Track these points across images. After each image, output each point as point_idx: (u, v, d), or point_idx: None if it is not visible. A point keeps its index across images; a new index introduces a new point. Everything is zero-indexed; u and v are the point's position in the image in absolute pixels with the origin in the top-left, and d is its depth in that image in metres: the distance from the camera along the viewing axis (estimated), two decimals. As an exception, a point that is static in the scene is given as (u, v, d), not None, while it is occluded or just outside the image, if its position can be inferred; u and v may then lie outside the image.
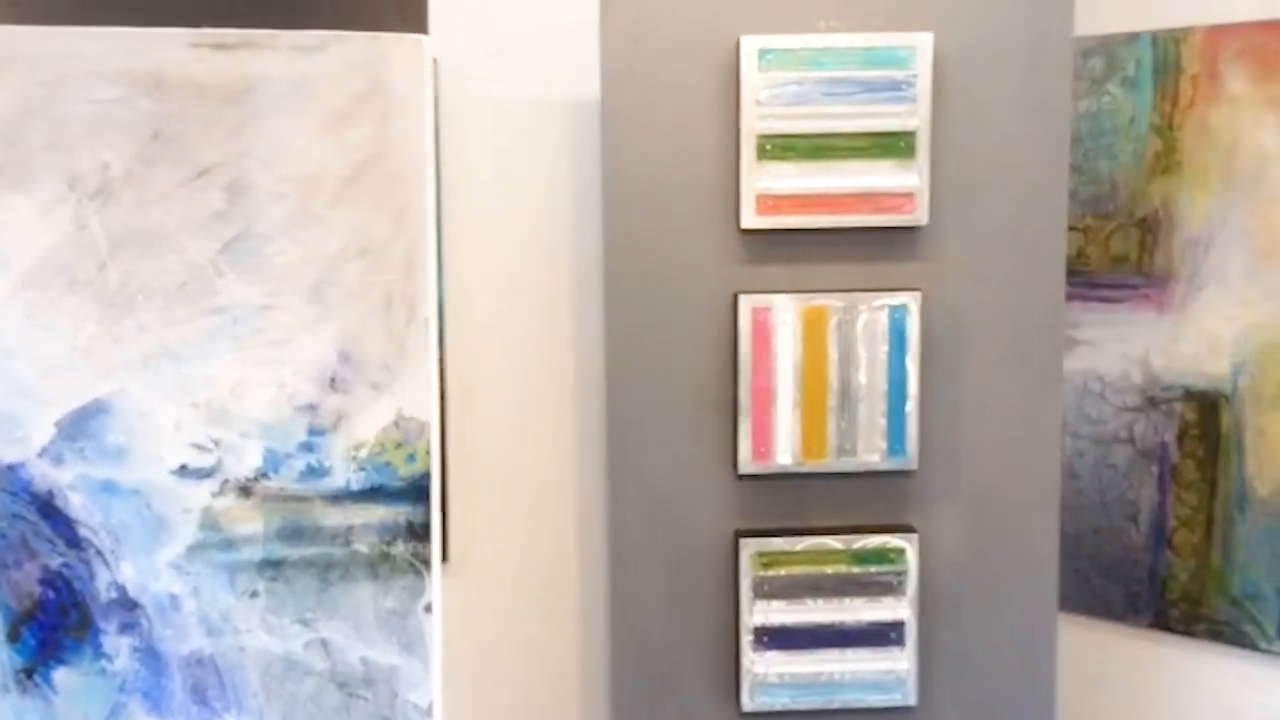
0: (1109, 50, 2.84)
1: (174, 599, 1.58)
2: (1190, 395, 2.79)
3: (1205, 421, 2.77)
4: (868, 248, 2.12)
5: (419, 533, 1.61)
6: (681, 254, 2.11)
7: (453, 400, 2.53)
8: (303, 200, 1.53)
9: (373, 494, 1.59)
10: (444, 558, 2.49)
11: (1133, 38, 2.80)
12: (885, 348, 2.09)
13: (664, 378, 2.14)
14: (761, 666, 2.16)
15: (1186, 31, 2.72)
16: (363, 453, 1.58)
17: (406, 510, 1.60)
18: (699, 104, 2.09)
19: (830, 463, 2.12)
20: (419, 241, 1.53)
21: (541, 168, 2.52)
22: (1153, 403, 2.84)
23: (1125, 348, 2.88)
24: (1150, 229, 2.82)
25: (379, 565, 1.59)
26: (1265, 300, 2.66)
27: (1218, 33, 2.68)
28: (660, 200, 2.11)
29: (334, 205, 1.53)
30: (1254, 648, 2.75)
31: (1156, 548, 2.87)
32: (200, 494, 1.58)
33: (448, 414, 2.53)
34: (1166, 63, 2.76)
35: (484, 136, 2.51)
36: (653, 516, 2.17)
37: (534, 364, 2.57)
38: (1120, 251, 2.87)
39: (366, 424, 1.58)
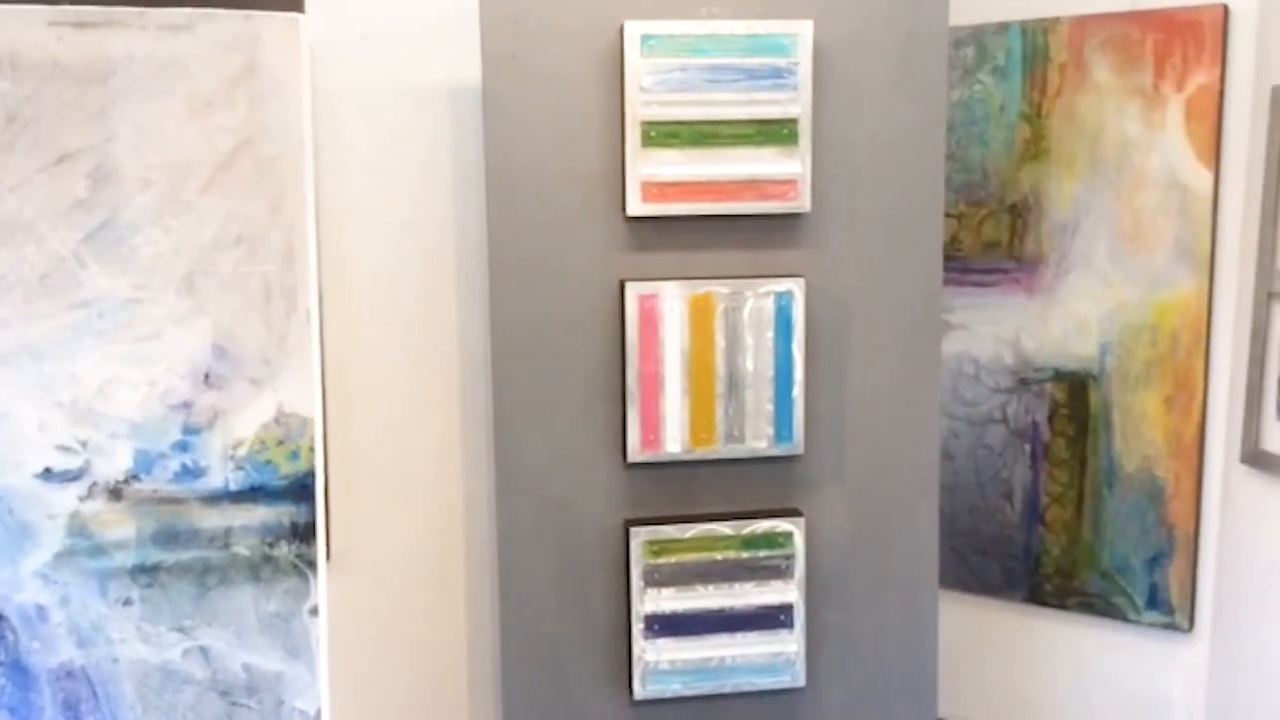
0: (980, 40, 2.91)
1: (41, 610, 1.49)
2: (1060, 376, 2.89)
3: (1074, 401, 2.87)
4: (753, 235, 2.13)
5: (303, 533, 1.55)
6: (567, 242, 2.09)
7: (332, 394, 2.47)
8: (172, 187, 1.46)
9: (253, 494, 1.53)
10: (326, 556, 2.43)
11: (1003, 28, 2.88)
12: (771, 334, 2.10)
13: (551, 367, 2.11)
14: (653, 654, 2.16)
15: (1054, 22, 2.80)
16: (241, 451, 1.52)
17: (289, 510, 1.54)
18: (582, 90, 2.07)
19: (718, 449, 2.12)
20: (298, 230, 1.48)
21: (422, 154, 2.47)
22: (1024, 384, 2.94)
23: (998, 330, 2.96)
24: (1020, 215, 2.90)
25: (261, 568, 1.53)
26: (1129, 283, 2.76)
27: (1083, 23, 2.77)
28: (545, 187, 2.08)
29: (206, 192, 1.46)
30: (1123, 619, 2.86)
31: (1030, 524, 2.97)
32: (67, 498, 1.50)
33: (327, 408, 2.46)
34: (1035, 52, 2.84)
35: (361, 123, 2.44)
36: (541, 508, 2.15)
37: (417, 355, 2.52)
38: (992, 237, 2.95)
39: (245, 421, 1.51)
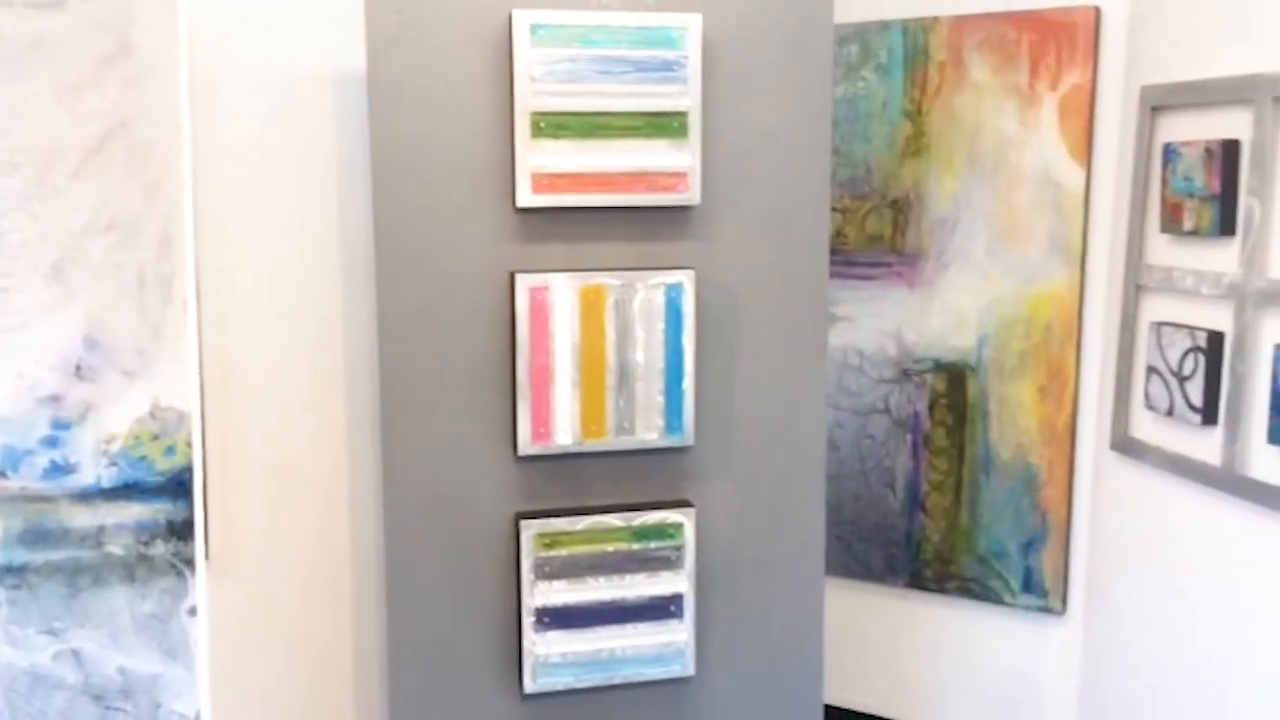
0: (864, 37, 2.96)
1: (-105, 615, 1.41)
2: (940, 367, 2.96)
3: (953, 391, 2.95)
4: (643, 227, 2.13)
5: (180, 531, 1.50)
6: (456, 233, 2.06)
7: (211, 387, 2.39)
8: (40, 171, 1.39)
9: (127, 491, 1.47)
10: (205, 555, 2.36)
11: (885, 26, 2.94)
12: (662, 326, 2.11)
13: (440, 360, 2.09)
14: (543, 647, 2.15)
15: (934, 21, 2.87)
16: (115, 446, 1.46)
17: (165, 507, 1.49)
18: (471, 79, 2.04)
19: (609, 441, 2.12)
20: (174, 217, 1.42)
21: (305, 143, 2.41)
22: (906, 375, 3.01)
23: (881, 323, 3.03)
24: (902, 210, 2.97)
25: (135, 567, 1.48)
26: (1005, 277, 2.85)
27: (962, 22, 2.84)
28: (432, 177, 2.05)
29: (77, 177, 1.40)
30: (999, 602, 2.96)
31: (911, 512, 3.04)
32: (-76, 498, 1.42)
33: (205, 402, 2.39)
34: (916, 50, 2.91)
35: (242, 110, 2.37)
36: (430, 502, 2.12)
37: (301, 348, 2.46)
38: (875, 231, 3.02)
39: (118, 415, 1.46)
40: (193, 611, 1.52)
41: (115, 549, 1.48)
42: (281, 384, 2.46)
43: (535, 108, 2.02)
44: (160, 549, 1.49)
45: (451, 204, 2.06)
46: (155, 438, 1.48)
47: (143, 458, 1.48)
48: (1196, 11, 2.39)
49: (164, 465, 1.49)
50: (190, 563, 1.52)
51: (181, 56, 1.45)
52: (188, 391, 1.49)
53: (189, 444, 1.50)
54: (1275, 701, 2.20)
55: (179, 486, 1.50)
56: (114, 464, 1.47)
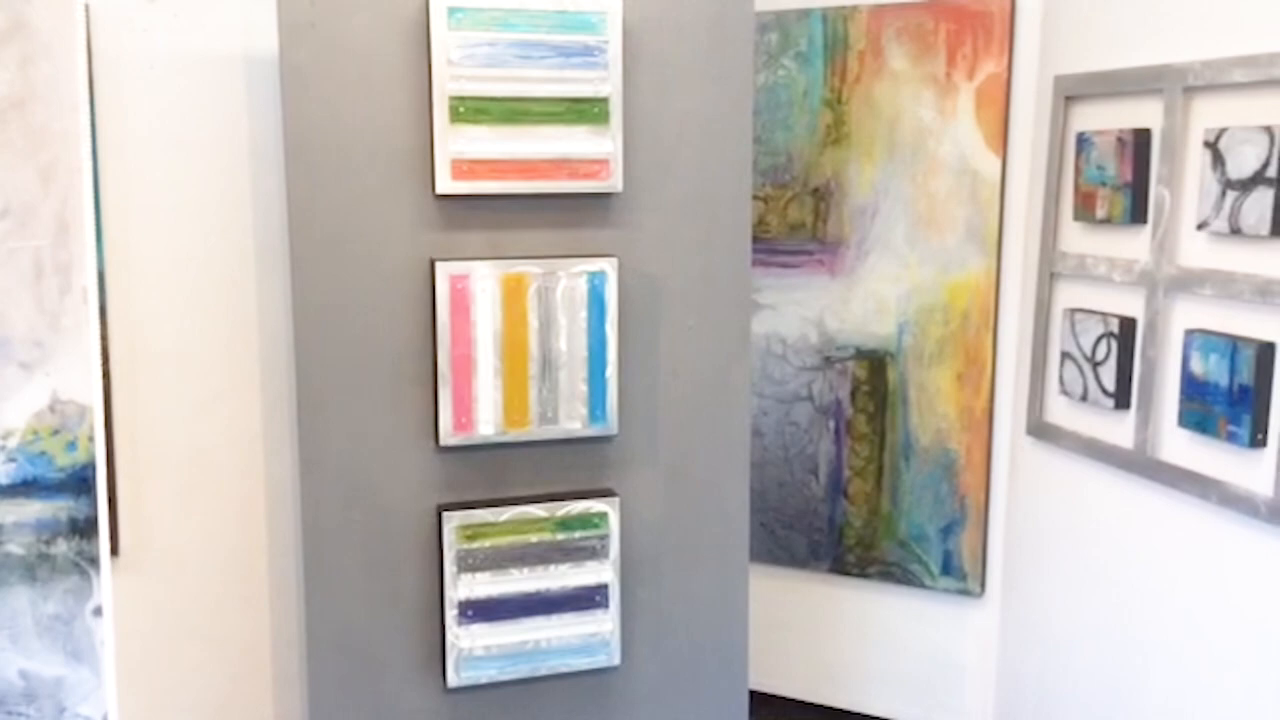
0: (784, 26, 2.97)
1: None
2: (861, 354, 2.99)
3: (874, 378, 2.98)
4: (565, 214, 2.11)
5: (83, 528, 1.44)
6: (374, 220, 2.02)
7: (119, 380, 2.32)
8: (-72, 155, 1.32)
9: (26, 488, 1.41)
10: (114, 552, 2.29)
11: (805, 14, 2.94)
12: (585, 314, 2.09)
13: (358, 349, 2.04)
14: (467, 640, 2.12)
15: (853, 10, 2.89)
16: (12, 442, 1.40)
17: (67, 504, 1.43)
18: (387, 62, 2.00)
19: (533, 431, 2.10)
20: (73, 202, 1.36)
21: (215, 127, 2.34)
22: (829, 362, 3.02)
23: (803, 311, 3.04)
24: (823, 198, 2.98)
25: (37, 567, 1.42)
26: (924, 264, 2.88)
27: (880, 11, 2.86)
28: (349, 164, 2.00)
29: (-32, 161, 1.33)
30: (920, 585, 3.00)
31: (834, 498, 3.07)
32: None
33: (112, 394, 2.31)
34: (835, 39, 2.92)
35: (149, 92, 2.29)
36: (349, 494, 2.08)
37: (213, 339, 2.39)
38: (797, 219, 3.03)
39: (16, 409, 1.39)
40: (98, 611, 1.47)
41: (15, 548, 1.42)
42: (193, 375, 2.39)
43: (454, 92, 1.99)
44: (63, 548, 1.43)
45: (369, 191, 2.01)
46: (55, 432, 1.42)
47: (42, 453, 1.42)
48: (1108, 3, 2.43)
49: (65, 461, 1.43)
50: (95, 561, 1.46)
51: (79, 36, 1.39)
52: (89, 384, 1.43)
53: (91, 439, 1.44)
54: (1186, 676, 2.26)
55: (81, 483, 1.44)
56: (11, 460, 1.40)
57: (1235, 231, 2.06)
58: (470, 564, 2.10)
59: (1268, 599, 2.05)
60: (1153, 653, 2.34)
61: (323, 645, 2.11)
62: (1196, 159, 2.17)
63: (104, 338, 2.29)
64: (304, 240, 2.00)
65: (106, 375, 2.30)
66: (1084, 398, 2.48)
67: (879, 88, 2.88)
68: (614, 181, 2.09)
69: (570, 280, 2.08)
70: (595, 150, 2.06)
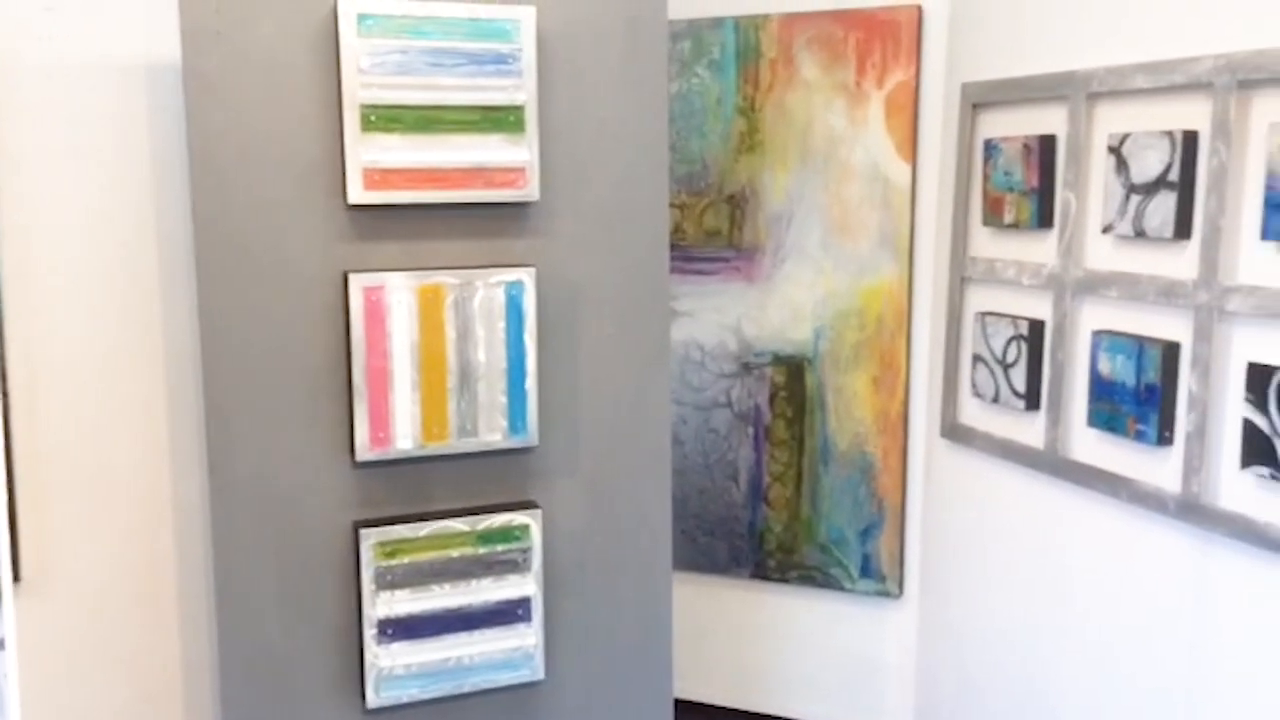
0: (696, 34, 2.98)
1: None
2: (779, 360, 3.01)
3: (792, 384, 3.00)
4: (481, 223, 2.08)
5: (-16, 556, 1.38)
6: (283, 231, 1.97)
7: (17, 398, 2.23)
8: None
9: (-80, 515, 1.34)
10: (16, 578, 2.20)
11: (717, 23, 2.96)
12: (503, 325, 2.06)
13: (269, 364, 1.99)
14: (386, 659, 2.08)
15: (764, 19, 2.91)
16: (-95, 468, 1.33)
17: (-34, 531, 1.37)
18: (296, 70, 1.95)
19: (452, 444, 2.07)
20: (-32, 217, 1.30)
21: (116, 137, 2.26)
22: (747, 368, 3.04)
23: (721, 317, 3.05)
24: (739, 205, 3.00)
25: (-67, 598, 1.35)
26: (838, 270, 2.91)
27: (790, 21, 2.88)
28: (257, 174, 1.95)
29: None
30: (840, 588, 3.02)
31: (754, 504, 3.08)
32: None
33: (10, 415, 2.23)
34: (748, 48, 2.94)
35: (46, 101, 2.21)
36: (262, 513, 2.02)
37: (117, 354, 2.31)
38: (713, 226, 3.04)
39: (-92, 433, 1.33)
40: (0, 644, 1.40)
41: (-92, 580, 1.35)
42: (96, 393, 2.31)
43: (365, 101, 1.95)
44: (-40, 578, 1.37)
45: (278, 201, 1.96)
46: (-49, 457, 1.36)
47: (-63, 479, 1.35)
48: (1014, 11, 2.48)
49: (-38, 486, 1.37)
50: (-4, 591, 1.40)
51: (-28, 41, 1.33)
52: (-12, 405, 1.37)
53: (-9, 462, 1.38)
54: (1099, 670, 2.31)
55: (-20, 509, 1.37)
56: (-96, 487, 1.34)
57: (1139, 234, 2.11)
58: (389, 581, 2.06)
59: (1176, 593, 2.11)
60: (1066, 647, 2.39)
61: (236, 668, 2.05)
62: (1101, 164, 2.23)
63: (1, 356, 2.21)
64: (211, 253, 1.95)
65: (4, 395, 2.21)
66: (996, 399, 2.53)
67: (791, 96, 2.91)
68: (530, 190, 2.07)
69: (488, 291, 2.05)
70: (511, 159, 2.04)
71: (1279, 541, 1.87)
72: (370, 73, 1.95)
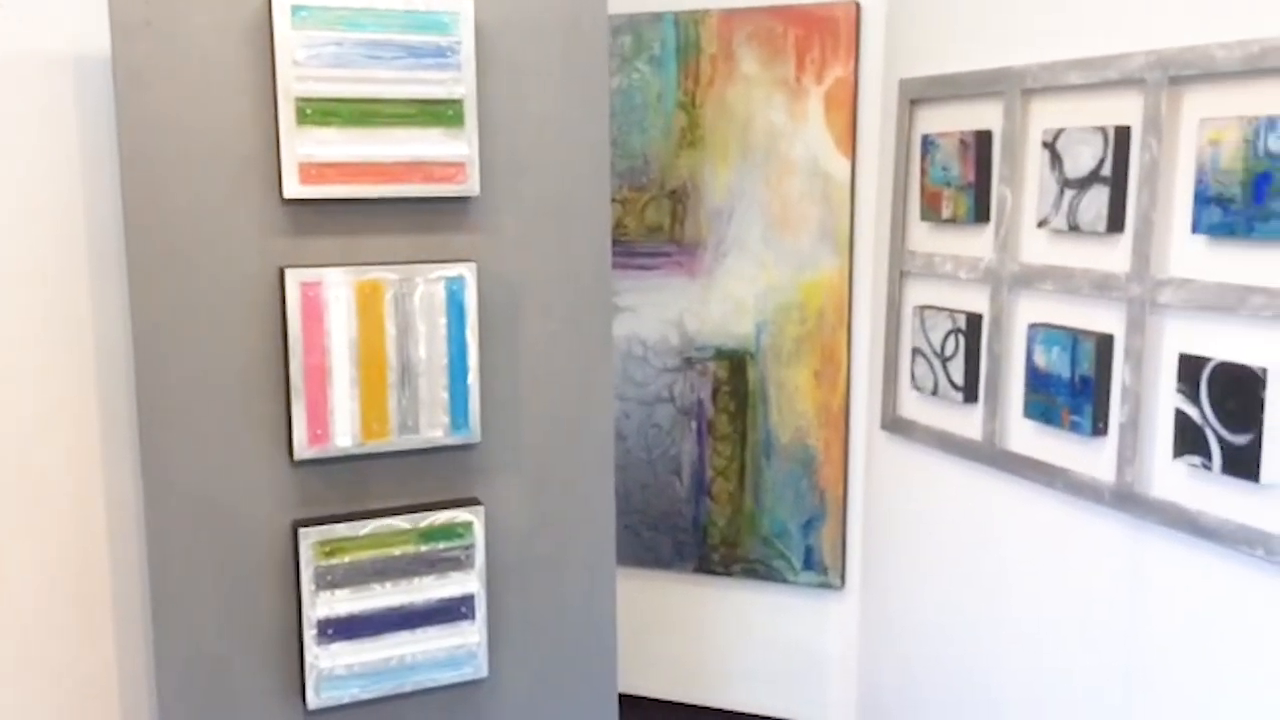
0: (637, 29, 2.98)
1: None
2: (721, 354, 3.01)
3: (735, 378, 3.01)
4: (421, 218, 2.06)
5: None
6: (218, 227, 1.94)
7: (-59, 401, 2.17)
8: None
9: None
10: (-60, 585, 2.14)
11: (657, 18, 2.96)
12: (444, 321, 2.04)
13: (204, 362, 1.95)
14: (327, 660, 2.05)
15: (704, 14, 2.91)
16: None
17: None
18: (229, 62, 1.92)
19: (393, 441, 2.04)
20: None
21: (42, 131, 2.21)
22: (689, 363, 3.04)
23: (663, 312, 3.05)
24: (680, 200, 3.00)
25: None
26: (779, 264, 2.92)
27: (730, 16, 2.89)
28: (190, 169, 1.91)
29: None
30: (783, 580, 3.04)
31: (698, 498, 3.09)
32: None
33: (-65, 417, 2.17)
34: (688, 43, 2.94)
35: (-35, 91, 2.15)
36: (198, 513, 1.99)
37: (45, 355, 2.26)
38: (655, 221, 3.04)
39: None
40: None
41: None
42: (25, 395, 2.25)
43: (300, 94, 1.92)
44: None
45: (212, 196, 1.93)
46: None
47: None
48: (950, 8, 2.51)
49: (-117, 490, 1.32)
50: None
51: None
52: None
53: (-87, 465, 1.34)
54: (1038, 658, 2.34)
55: (-98, 513, 1.33)
56: None
57: (1073, 228, 2.15)
58: (329, 581, 2.03)
59: (1112, 581, 2.15)
60: (1004, 636, 2.43)
61: (173, 673, 2.01)
62: (1035, 159, 2.26)
63: (-77, 356, 2.14)
64: (142, 249, 1.91)
65: (-74, 396, 2.15)
66: (935, 392, 2.55)
67: (731, 91, 2.92)
68: (471, 185, 2.05)
69: (428, 286, 2.03)
70: (450, 153, 2.02)
71: (1210, 529, 1.91)
72: (305, 65, 1.92)
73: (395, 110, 1.98)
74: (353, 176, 1.96)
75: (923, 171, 2.56)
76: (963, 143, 2.42)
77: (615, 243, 3.00)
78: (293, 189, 1.94)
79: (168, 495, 1.97)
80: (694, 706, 3.21)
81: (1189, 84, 1.94)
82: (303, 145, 1.93)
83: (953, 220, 2.47)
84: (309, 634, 2.04)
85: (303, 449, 1.99)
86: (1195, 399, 1.91)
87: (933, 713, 2.68)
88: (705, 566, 3.11)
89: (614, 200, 2.99)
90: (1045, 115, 2.24)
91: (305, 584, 2.02)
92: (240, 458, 2.00)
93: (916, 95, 2.60)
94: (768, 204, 2.91)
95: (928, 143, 2.53)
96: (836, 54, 2.80)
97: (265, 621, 2.06)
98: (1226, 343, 1.89)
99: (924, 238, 2.61)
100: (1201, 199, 1.88)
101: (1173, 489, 2.00)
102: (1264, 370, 1.79)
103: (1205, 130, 1.87)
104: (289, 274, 1.94)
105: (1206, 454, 1.90)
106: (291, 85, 1.92)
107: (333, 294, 1.97)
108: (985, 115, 2.39)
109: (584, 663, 2.34)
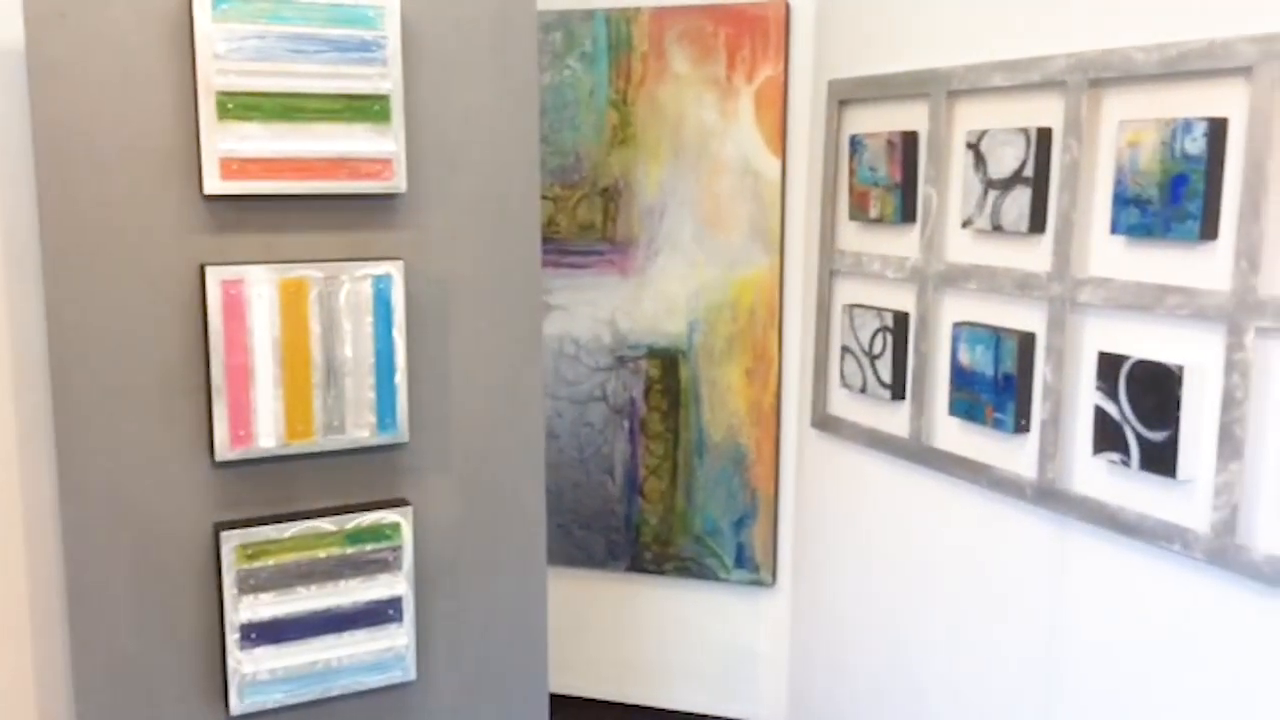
0: (568, 26, 2.96)
1: None
2: (653, 353, 3.01)
3: (667, 376, 3.01)
4: (347, 215, 2.03)
5: None
6: (136, 223, 1.89)
7: None
8: None
9: None
10: None
11: (589, 15, 2.95)
12: (370, 319, 2.02)
13: (122, 362, 1.91)
14: (250, 665, 2.02)
15: (635, 12, 2.91)
16: None
17: None
18: (147, 55, 1.87)
19: (318, 442, 2.01)
20: None
21: (-48, 122, 2.14)
22: (622, 361, 3.04)
23: (595, 311, 3.05)
24: (612, 198, 3.00)
25: None
26: (711, 263, 2.93)
27: (661, 14, 2.89)
28: (107, 163, 1.87)
29: None
30: (715, 578, 3.05)
31: (630, 497, 3.08)
32: None
33: None
34: (619, 41, 2.94)
35: None
36: (116, 517, 1.94)
37: (-45, 353, 2.19)
38: (587, 219, 3.03)
39: None
40: None
41: None
42: (-66, 395, 2.18)
43: (221, 87, 1.88)
44: None
45: (130, 192, 1.88)
46: None
47: None
48: (878, 9, 2.53)
49: None
50: None
51: None
52: None
53: None
54: (964, 652, 2.38)
55: None
56: None
57: (997, 229, 2.18)
58: (252, 584, 2.00)
59: (1035, 575, 2.18)
60: (932, 629, 2.46)
61: (91, 680, 1.96)
62: (960, 160, 2.29)
63: None
64: (58, 245, 1.86)
65: None
66: (863, 390, 2.58)
67: (663, 89, 2.92)
68: (397, 182, 2.03)
69: (354, 284, 2.00)
70: (376, 149, 2.00)
71: (1129, 525, 1.95)
72: (226, 58, 1.88)
73: (320, 105, 1.95)
74: (276, 172, 1.93)
75: (851, 171, 2.58)
76: (890, 143, 2.44)
77: (547, 241, 2.99)
78: (214, 185, 1.90)
79: (85, 497, 1.92)
80: (628, 705, 3.21)
81: (1109, 86, 1.97)
82: (224, 140, 1.89)
83: (880, 220, 2.49)
84: (231, 638, 2.00)
85: (225, 450, 1.95)
86: (1114, 396, 1.95)
87: (861, 705, 2.70)
88: (638, 565, 3.11)
89: (545, 198, 2.98)
90: (970, 117, 2.27)
91: (227, 587, 1.98)
92: (160, 459, 1.95)
93: (845, 96, 2.62)
94: (699, 202, 2.92)
95: (856, 143, 2.55)
96: (766, 53, 2.81)
97: (187, 625, 2.01)
98: (1144, 341, 1.93)
99: (853, 237, 2.63)
100: (1120, 200, 1.92)
101: (1093, 485, 2.04)
102: (1180, 368, 1.83)
103: (1124, 132, 1.91)
104: (210, 272, 1.90)
105: (1125, 451, 1.94)
106: (212, 79, 1.88)
107: (255, 292, 1.93)
108: (912, 116, 2.42)
109: (515, 664, 2.33)
